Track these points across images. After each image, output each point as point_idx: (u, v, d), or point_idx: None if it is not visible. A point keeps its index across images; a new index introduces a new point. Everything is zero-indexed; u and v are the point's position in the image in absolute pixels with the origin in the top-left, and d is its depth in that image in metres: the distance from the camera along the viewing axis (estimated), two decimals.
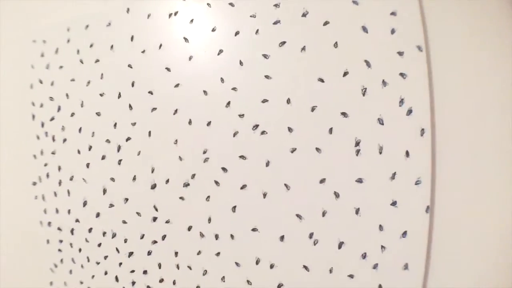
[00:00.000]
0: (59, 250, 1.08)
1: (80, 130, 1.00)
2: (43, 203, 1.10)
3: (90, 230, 1.03)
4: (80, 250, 1.05)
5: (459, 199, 0.75)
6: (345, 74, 0.79)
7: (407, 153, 0.75)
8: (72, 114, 1.01)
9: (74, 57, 1.02)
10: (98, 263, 1.03)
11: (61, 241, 1.07)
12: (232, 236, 0.89)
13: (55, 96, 1.05)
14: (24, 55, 1.11)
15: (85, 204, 1.02)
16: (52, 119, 1.04)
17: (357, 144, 0.80)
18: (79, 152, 1.01)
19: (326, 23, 0.79)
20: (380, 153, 0.78)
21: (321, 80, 0.81)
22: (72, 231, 1.05)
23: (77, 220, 1.03)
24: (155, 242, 0.96)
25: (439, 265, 0.78)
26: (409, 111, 0.75)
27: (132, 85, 0.94)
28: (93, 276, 1.05)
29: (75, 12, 1.03)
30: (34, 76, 1.09)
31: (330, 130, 0.81)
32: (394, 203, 0.77)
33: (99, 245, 1.02)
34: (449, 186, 0.76)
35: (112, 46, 0.96)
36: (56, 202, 1.07)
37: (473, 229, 0.75)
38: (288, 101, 0.84)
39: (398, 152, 0.76)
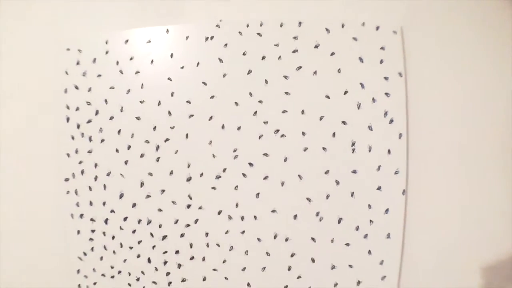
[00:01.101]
0: (90, 239, 1.44)
1: (119, 132, 1.39)
2: (76, 197, 1.46)
3: (125, 219, 1.41)
4: (113, 237, 1.43)
5: (427, 185, 1.25)
6: (345, 92, 1.27)
7: (389, 151, 1.24)
8: (111, 118, 1.40)
9: (113, 67, 1.39)
10: (131, 248, 1.42)
11: (93, 231, 1.43)
12: (255, 217, 1.33)
13: (93, 101, 1.41)
14: (58, 62, 1.43)
15: (121, 196, 1.40)
16: (89, 121, 1.41)
17: (353, 144, 1.27)
18: (117, 151, 1.40)
19: (332, 53, 1.27)
20: (370, 151, 1.26)
21: (328, 97, 1.28)
22: (106, 221, 1.42)
23: (112, 211, 1.42)
24: (188, 225, 1.37)
25: (413, 234, 1.28)
26: (391, 120, 1.25)
27: (172, 95, 1.35)
28: (125, 260, 1.42)
29: (114, 25, 1.38)
30: (69, 82, 1.41)
31: (333, 134, 1.29)
32: (379, 188, 1.26)
33: (134, 231, 1.41)
34: (419, 175, 1.25)
35: (152, 61, 1.35)
36: (91, 196, 1.45)
37: (439, 207, 1.25)
38: (303, 112, 1.30)
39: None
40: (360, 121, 1.32)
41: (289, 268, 1.38)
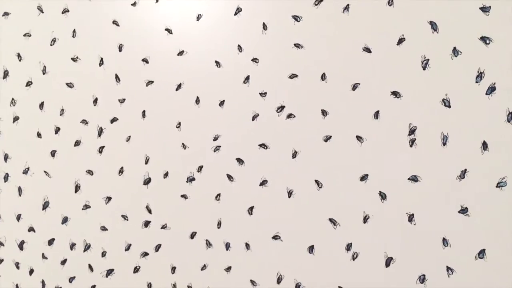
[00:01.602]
0: None
1: (41, 105, 0.96)
2: None
3: (50, 242, 0.97)
4: (31, 271, 0.99)
5: None
6: (401, 40, 0.76)
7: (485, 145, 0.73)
8: (28, 83, 0.96)
9: (29, 2, 0.96)
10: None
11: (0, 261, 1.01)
12: (247, 246, 0.85)
13: None
14: None
15: (45, 206, 0.96)
16: None
17: (412, 132, 0.77)
18: (39, 135, 0.98)
19: None
20: (444, 144, 0.75)
21: (367, 50, 0.78)
22: (21, 245, 0.99)
23: (30, 229, 0.98)
24: (145, 254, 0.92)
25: None
26: (492, 89, 0.72)
27: (120, 49, 0.90)
28: None
29: None
30: None
31: (376, 114, 0.78)
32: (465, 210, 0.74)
33: (63, 262, 0.97)
34: None
35: None
36: None
37: None
38: (323, 76, 0.80)
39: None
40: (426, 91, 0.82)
41: None
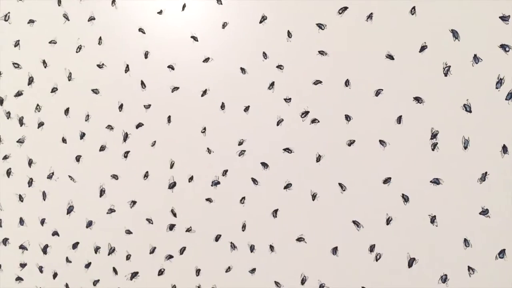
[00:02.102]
0: (18, 279, 1.03)
1: (67, 111, 1.00)
2: None
3: (75, 245, 1.01)
4: (55, 275, 1.01)
5: None
6: (423, 48, 0.79)
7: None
8: (54, 90, 0.98)
9: (54, 8, 0.98)
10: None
11: (23, 265, 1.03)
12: (271, 248, 0.88)
13: (23, 62, 1.01)
14: None
15: (70, 210, 0.99)
16: (19, 94, 1.00)
17: (434, 136, 0.80)
18: (64, 140, 1.01)
19: None
20: (465, 147, 0.78)
21: (390, 57, 0.81)
22: (45, 249, 1.01)
23: (54, 233, 1.00)
24: (170, 257, 0.94)
25: None
26: (511, 95, 0.75)
27: (146, 56, 0.94)
28: None
29: None
30: None
31: (399, 119, 0.81)
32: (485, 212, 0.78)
33: (88, 265, 0.99)
34: None
35: (113, 1, 0.94)
36: (22, 210, 1.03)
37: None
38: (347, 82, 0.83)
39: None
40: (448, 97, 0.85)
41: None
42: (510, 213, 0.81)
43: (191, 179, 0.97)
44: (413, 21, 0.84)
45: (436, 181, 0.85)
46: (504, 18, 0.80)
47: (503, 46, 0.80)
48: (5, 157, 1.05)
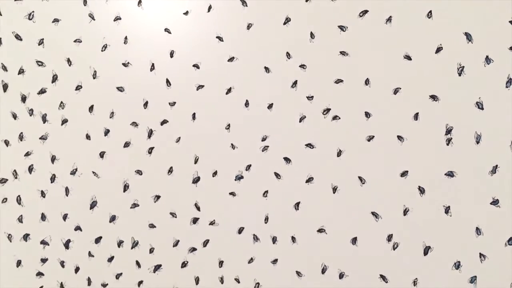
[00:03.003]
0: (39, 274, 1.07)
1: (91, 108, 1.02)
2: (18, 208, 1.09)
3: (97, 240, 1.04)
4: (77, 269, 1.06)
5: None
6: (439, 49, 0.85)
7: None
8: (78, 87, 1.02)
9: (79, 7, 1.01)
10: (104, 286, 1.03)
11: (44, 260, 1.06)
12: (293, 239, 0.93)
13: (47, 60, 1.03)
14: None
15: (93, 205, 1.03)
16: (43, 91, 1.03)
17: (449, 132, 0.86)
18: (88, 137, 1.03)
19: None
20: (478, 142, 0.84)
21: (408, 58, 0.86)
22: (67, 244, 1.05)
23: (77, 228, 1.05)
24: (193, 249, 0.98)
25: None
26: None
27: (171, 55, 0.98)
28: None
29: None
30: (4, 26, 1.05)
31: (416, 116, 0.87)
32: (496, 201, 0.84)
33: (110, 259, 1.03)
34: None
35: (140, 1, 0.97)
36: (43, 205, 1.06)
37: None
38: (367, 81, 0.89)
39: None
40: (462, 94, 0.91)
41: None
42: None
43: (215, 173, 1.01)
44: (429, 24, 0.90)
45: (450, 174, 0.91)
46: None
47: None
48: (27, 154, 1.07)
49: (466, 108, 0.90)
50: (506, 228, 0.89)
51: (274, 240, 0.99)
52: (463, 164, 0.90)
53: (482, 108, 0.89)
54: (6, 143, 1.08)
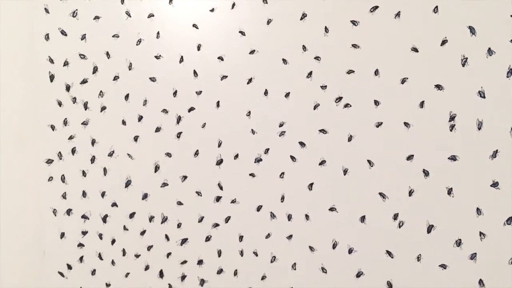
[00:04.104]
0: (80, 244, 1.21)
1: (127, 97, 1.13)
2: (62, 186, 1.23)
3: (131, 215, 1.15)
4: (113, 241, 1.17)
5: None
6: (444, 42, 0.92)
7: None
8: (116, 78, 1.13)
9: (117, 6, 1.13)
10: (137, 256, 1.17)
11: (84, 233, 1.20)
12: (307, 217, 1.02)
13: (89, 53, 1.16)
14: None
15: (128, 184, 1.14)
16: (84, 81, 1.15)
17: (452, 118, 0.93)
18: (124, 123, 1.14)
19: None
20: (479, 128, 0.91)
21: (415, 50, 0.94)
22: (104, 218, 1.16)
23: (114, 204, 1.16)
24: (216, 225, 1.09)
25: None
26: None
27: (198, 48, 1.07)
28: (127, 275, 1.17)
29: None
30: (52, 24, 1.18)
31: (422, 104, 0.94)
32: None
33: (143, 232, 1.14)
34: None
35: (171, 0, 1.08)
36: (84, 184, 1.22)
37: None
38: (376, 72, 0.96)
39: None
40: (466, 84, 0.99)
41: None
42: None
43: (236, 156, 1.12)
44: (436, 19, 0.98)
45: (453, 158, 0.98)
46: None
47: None
48: (71, 137, 1.21)
49: (469, 96, 0.97)
50: (505, 209, 0.96)
51: (289, 217, 1.09)
52: (465, 149, 0.98)
53: (484, 97, 0.96)
54: (52, 127, 1.21)
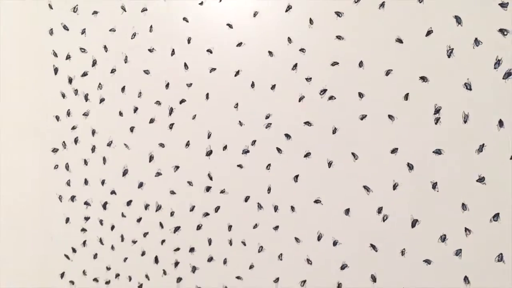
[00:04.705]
0: (83, 229, 1.26)
1: (123, 89, 1.18)
2: (66, 174, 1.29)
3: (128, 203, 1.20)
4: (112, 227, 1.22)
5: None
6: (429, 32, 0.90)
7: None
8: (112, 70, 1.17)
9: (113, 1, 1.16)
10: (134, 242, 1.21)
11: (87, 218, 1.25)
12: (292, 208, 1.03)
13: (88, 47, 1.20)
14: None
15: (125, 173, 1.18)
16: (85, 74, 1.20)
17: (437, 111, 0.91)
18: (121, 114, 1.18)
19: None
20: (465, 122, 0.89)
21: (400, 41, 0.92)
22: (104, 205, 1.22)
23: (112, 192, 1.21)
24: (206, 214, 1.11)
25: None
26: (508, 74, 0.85)
27: (188, 41, 1.09)
28: (125, 259, 1.21)
29: None
30: (55, 20, 1.23)
31: (406, 96, 0.92)
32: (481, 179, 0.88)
33: (139, 219, 1.19)
34: None
35: None
36: (86, 172, 1.27)
37: None
38: (361, 64, 0.96)
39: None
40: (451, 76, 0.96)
41: (339, 286, 1.07)
42: (504, 180, 0.91)
43: (225, 147, 1.14)
44: (421, 9, 0.96)
45: (438, 152, 0.96)
46: (503, 5, 0.90)
47: (502, 31, 0.90)
48: (73, 128, 1.27)
49: (455, 89, 0.94)
50: (491, 205, 0.93)
51: (275, 208, 1.11)
52: (451, 143, 0.95)
53: (470, 89, 0.93)
54: (57, 118, 1.29)
